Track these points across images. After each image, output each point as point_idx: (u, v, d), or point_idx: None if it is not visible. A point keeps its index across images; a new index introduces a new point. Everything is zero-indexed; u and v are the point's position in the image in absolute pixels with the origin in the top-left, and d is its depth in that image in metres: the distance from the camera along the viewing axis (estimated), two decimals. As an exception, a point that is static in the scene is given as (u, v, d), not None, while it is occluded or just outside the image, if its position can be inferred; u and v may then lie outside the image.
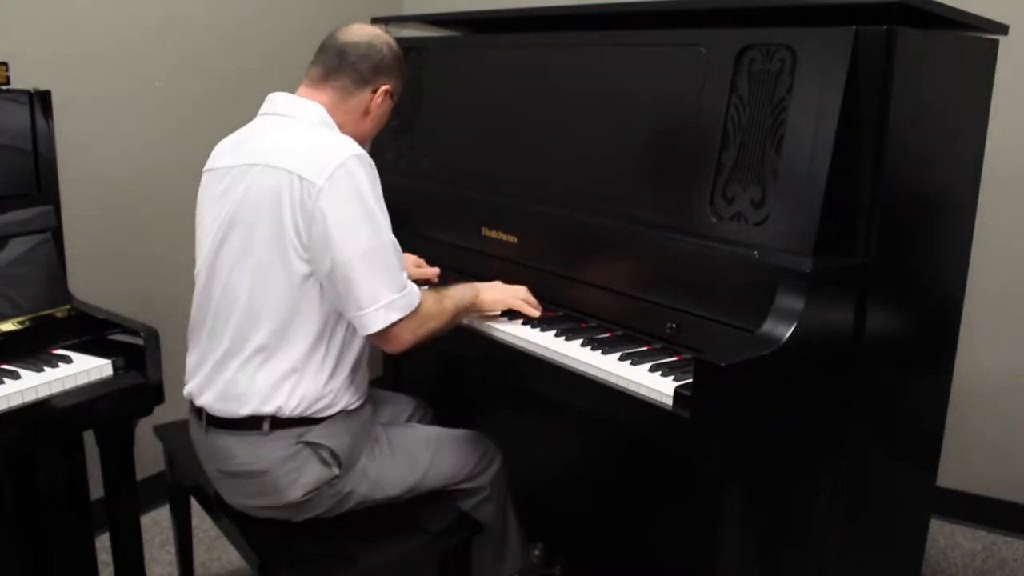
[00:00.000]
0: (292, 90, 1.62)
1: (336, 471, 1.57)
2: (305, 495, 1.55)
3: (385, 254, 1.48)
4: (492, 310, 1.72)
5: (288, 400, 1.51)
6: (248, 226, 1.50)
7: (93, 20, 2.23)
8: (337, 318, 1.53)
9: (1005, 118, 1.93)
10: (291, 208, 1.45)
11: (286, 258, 1.48)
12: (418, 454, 1.68)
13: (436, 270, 1.99)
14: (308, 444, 1.55)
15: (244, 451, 1.55)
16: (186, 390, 1.62)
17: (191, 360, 1.62)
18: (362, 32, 1.64)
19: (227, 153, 1.59)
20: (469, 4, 2.83)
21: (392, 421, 1.87)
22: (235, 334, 1.52)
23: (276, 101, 1.60)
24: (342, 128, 1.60)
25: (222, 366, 1.54)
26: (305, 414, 1.53)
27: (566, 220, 1.79)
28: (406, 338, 1.51)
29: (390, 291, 1.47)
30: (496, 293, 1.73)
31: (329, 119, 1.58)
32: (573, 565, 2.09)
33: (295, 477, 1.54)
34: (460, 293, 1.66)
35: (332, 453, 1.56)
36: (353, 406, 1.60)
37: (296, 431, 1.54)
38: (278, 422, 1.52)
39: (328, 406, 1.55)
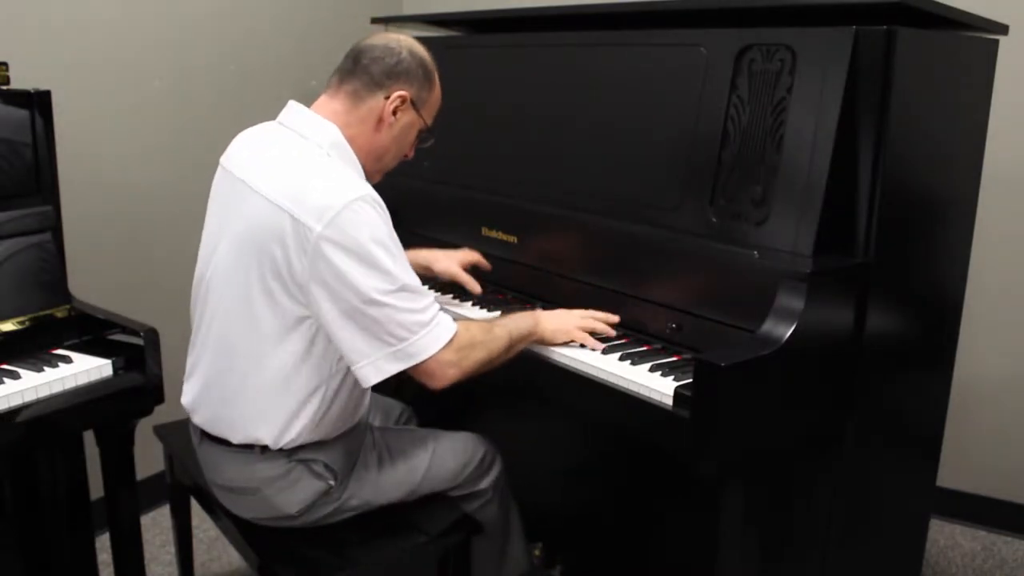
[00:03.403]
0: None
1: (331, 483, 1.55)
2: (300, 510, 1.54)
3: (388, 305, 1.36)
4: (553, 342, 1.60)
5: (280, 436, 1.48)
6: (242, 254, 1.43)
7: (93, 20, 2.23)
8: (335, 359, 1.46)
9: (1005, 118, 1.93)
10: (283, 251, 1.37)
11: (273, 298, 1.41)
12: (417, 458, 1.66)
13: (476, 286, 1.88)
14: (301, 461, 1.52)
15: (235, 468, 1.53)
16: (183, 399, 1.60)
17: (189, 361, 1.60)
18: (384, 37, 1.54)
19: (240, 154, 1.54)
20: (469, 4, 2.83)
21: (384, 423, 1.86)
22: (220, 357, 1.49)
23: (293, 115, 1.52)
24: (355, 141, 1.50)
25: (213, 385, 1.52)
26: (297, 445, 1.50)
27: (566, 220, 1.79)
28: (448, 373, 1.43)
29: (390, 342, 1.38)
30: (556, 322, 1.61)
31: (342, 140, 1.48)
32: (573, 565, 2.09)
33: (289, 494, 1.53)
34: (515, 322, 1.57)
35: (326, 466, 1.54)
36: (348, 427, 1.58)
37: (288, 452, 1.51)
38: (270, 449, 1.50)
39: (322, 434, 1.52)
